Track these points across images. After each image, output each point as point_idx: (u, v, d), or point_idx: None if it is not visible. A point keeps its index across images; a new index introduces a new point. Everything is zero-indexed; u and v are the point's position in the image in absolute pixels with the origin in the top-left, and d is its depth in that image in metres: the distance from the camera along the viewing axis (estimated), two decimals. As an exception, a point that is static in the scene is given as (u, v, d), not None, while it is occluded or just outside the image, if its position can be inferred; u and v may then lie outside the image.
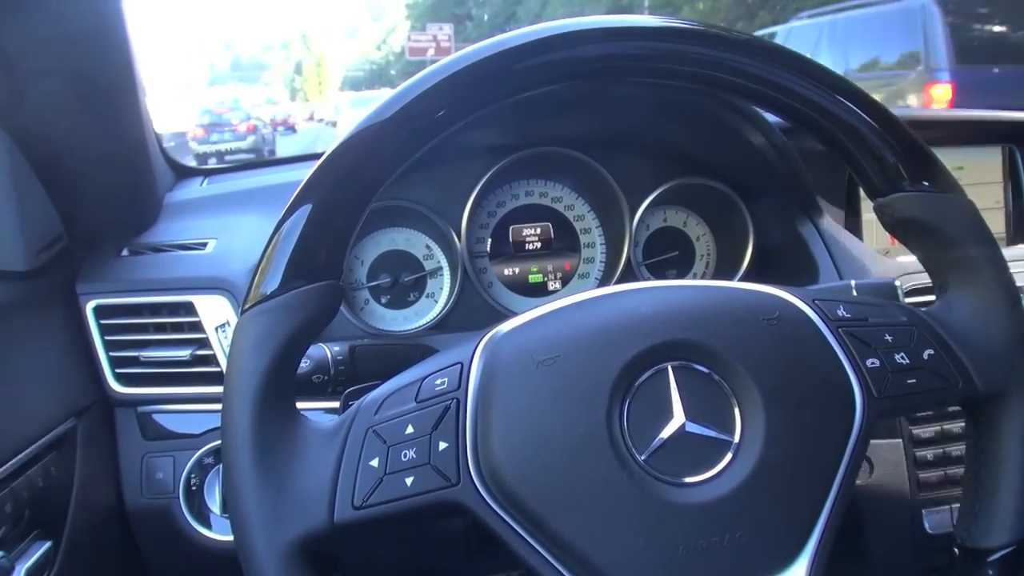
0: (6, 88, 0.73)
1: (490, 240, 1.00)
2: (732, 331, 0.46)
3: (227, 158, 15.45)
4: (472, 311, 0.95)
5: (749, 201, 0.99)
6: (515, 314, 0.49)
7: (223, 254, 0.86)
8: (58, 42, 0.72)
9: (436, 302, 0.98)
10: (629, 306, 0.47)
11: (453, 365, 0.46)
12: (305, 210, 0.45)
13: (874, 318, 0.49)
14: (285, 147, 19.14)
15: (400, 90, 0.46)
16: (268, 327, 0.44)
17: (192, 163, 1.19)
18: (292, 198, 0.46)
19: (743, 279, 0.99)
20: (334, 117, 22.37)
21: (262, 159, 1.19)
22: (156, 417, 0.83)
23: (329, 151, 0.46)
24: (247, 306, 0.45)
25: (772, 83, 0.49)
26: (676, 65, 0.49)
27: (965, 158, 1.05)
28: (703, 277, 1.05)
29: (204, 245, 0.88)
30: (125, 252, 0.88)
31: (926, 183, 0.51)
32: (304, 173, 0.46)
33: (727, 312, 0.47)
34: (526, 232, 1.01)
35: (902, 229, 0.53)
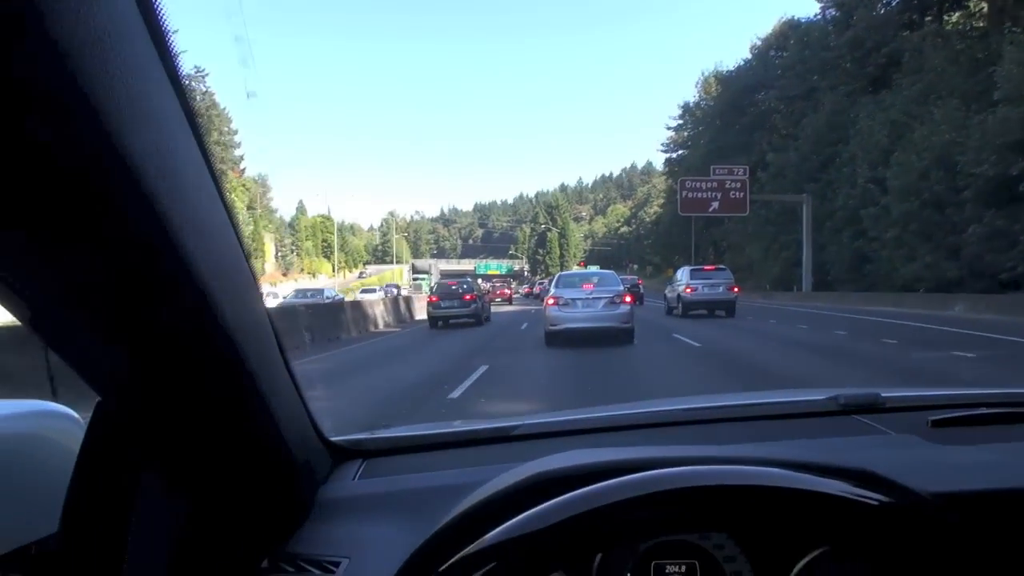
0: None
1: (629, 576, 0.91)
2: None
3: (451, 321, 19.17)
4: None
5: None
6: None
7: None
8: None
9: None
10: None
11: None
12: None
13: None
14: (497, 315, 24.25)
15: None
16: None
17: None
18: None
19: None
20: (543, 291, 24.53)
21: (421, 436, 1.24)
22: None
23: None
24: None
25: None
26: None
27: None
28: None
29: (336, 566, 0.89)
30: (265, 564, 0.90)
31: None
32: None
33: None
34: (669, 569, 0.92)
35: None
